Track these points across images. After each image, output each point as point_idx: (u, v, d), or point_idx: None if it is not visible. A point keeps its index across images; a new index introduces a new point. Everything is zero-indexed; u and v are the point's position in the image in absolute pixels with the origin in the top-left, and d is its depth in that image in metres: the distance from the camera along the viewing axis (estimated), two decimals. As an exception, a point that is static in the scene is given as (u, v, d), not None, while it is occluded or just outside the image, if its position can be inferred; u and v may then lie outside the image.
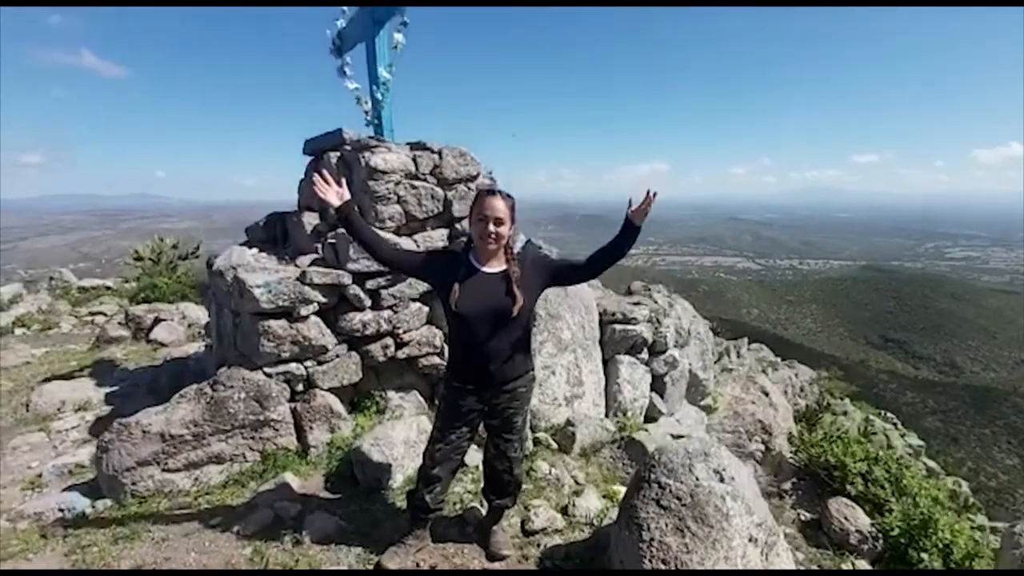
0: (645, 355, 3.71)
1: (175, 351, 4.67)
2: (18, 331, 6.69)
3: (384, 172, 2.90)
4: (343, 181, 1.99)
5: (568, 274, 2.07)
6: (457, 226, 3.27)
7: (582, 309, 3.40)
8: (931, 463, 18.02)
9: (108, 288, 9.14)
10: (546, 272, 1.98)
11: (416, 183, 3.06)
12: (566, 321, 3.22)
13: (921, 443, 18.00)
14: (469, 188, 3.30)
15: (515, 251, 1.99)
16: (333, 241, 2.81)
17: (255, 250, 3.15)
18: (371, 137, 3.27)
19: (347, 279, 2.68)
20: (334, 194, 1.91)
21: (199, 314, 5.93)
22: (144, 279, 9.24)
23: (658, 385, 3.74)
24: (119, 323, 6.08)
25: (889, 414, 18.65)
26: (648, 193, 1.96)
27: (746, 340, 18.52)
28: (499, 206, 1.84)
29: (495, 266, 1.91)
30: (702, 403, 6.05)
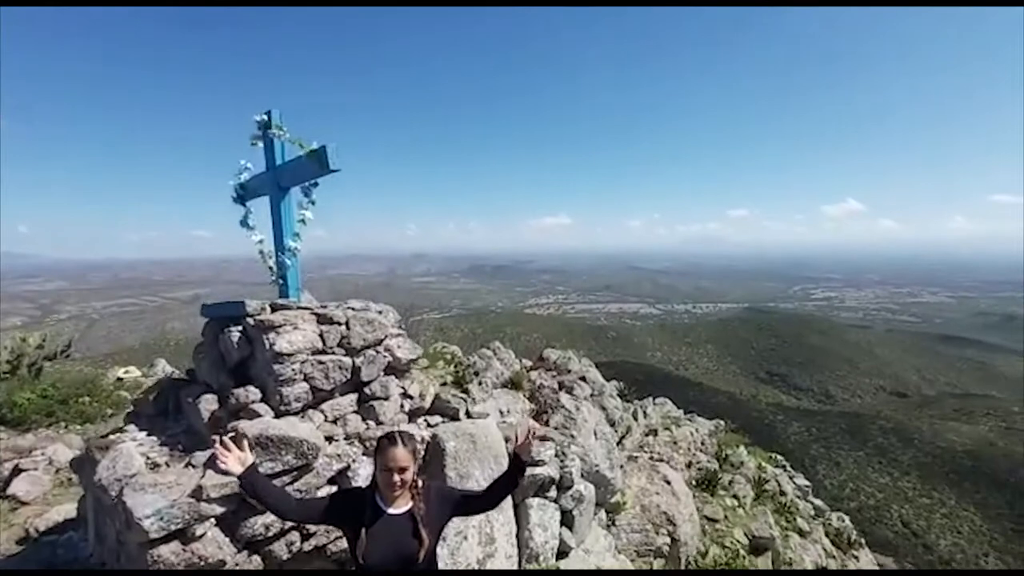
0: (553, 493, 3.88)
1: (38, 520, 4.07)
2: None
3: (290, 355, 2.90)
4: (244, 444, 1.98)
5: (471, 505, 2.19)
6: (366, 390, 3.31)
7: (491, 460, 3.52)
8: (817, 501, 19.77)
9: (-52, 406, 7.76)
10: (450, 505, 2.08)
11: (323, 358, 3.09)
12: (476, 480, 3.32)
13: (807, 484, 19.78)
14: (377, 352, 3.37)
15: (419, 485, 2.04)
16: (232, 430, 2.72)
17: (143, 434, 2.95)
18: (275, 305, 3.26)
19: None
20: (235, 461, 1.89)
21: (70, 456, 5.24)
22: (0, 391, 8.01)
23: (567, 519, 3.92)
24: (-37, 472, 5.19)
25: (779, 456, 20.42)
26: (529, 432, 2.16)
27: (651, 399, 19.60)
28: (401, 455, 1.93)
29: (401, 505, 1.98)
30: (611, 501, 6.32)
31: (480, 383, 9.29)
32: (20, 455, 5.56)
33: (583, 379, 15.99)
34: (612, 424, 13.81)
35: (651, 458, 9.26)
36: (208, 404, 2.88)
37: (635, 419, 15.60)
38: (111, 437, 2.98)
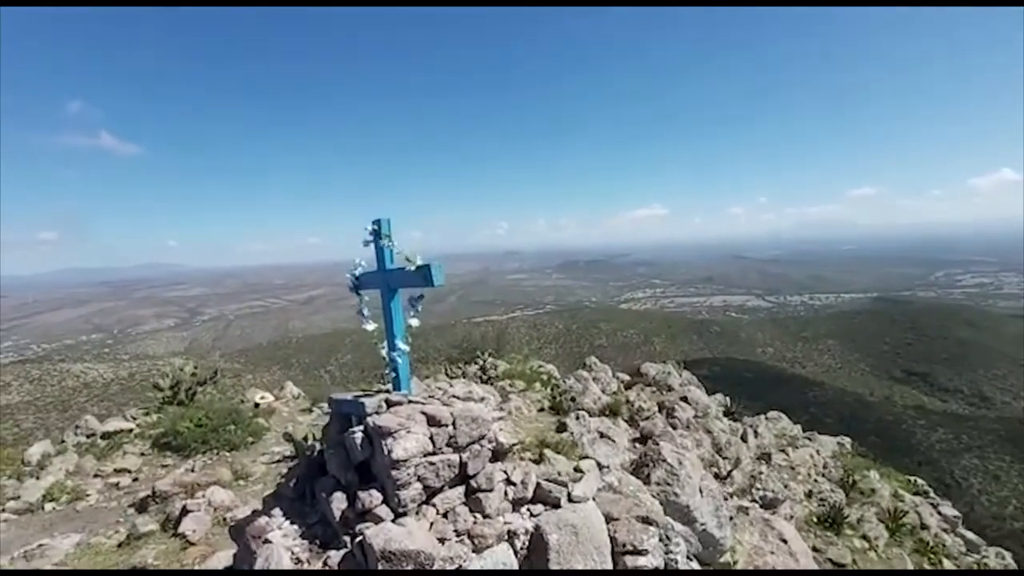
0: (657, 581, 3.85)
1: (203, 564, 4.86)
2: (48, 506, 6.93)
3: (405, 460, 3.19)
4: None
5: None
6: (472, 482, 3.53)
7: (594, 552, 3.58)
8: (969, 534, 17.35)
9: (130, 431, 9.41)
10: None
11: (434, 459, 3.35)
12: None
13: (956, 514, 17.42)
14: (482, 446, 3.58)
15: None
16: (360, 538, 3.06)
17: (286, 523, 3.41)
18: (389, 400, 3.59)
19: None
20: None
21: (225, 499, 6.14)
22: (164, 420, 9.54)
23: (671, 606, 3.86)
24: (148, 505, 6.32)
25: (920, 480, 18.13)
26: None
27: (763, 417, 18.34)
28: None
29: None
30: (720, 560, 6.08)
31: (578, 417, 9.36)
32: (186, 491, 6.62)
33: (685, 400, 15.37)
34: (719, 450, 13.19)
35: (763, 505, 8.72)
36: (339, 503, 3.25)
37: (744, 441, 14.74)
38: (261, 522, 3.47)
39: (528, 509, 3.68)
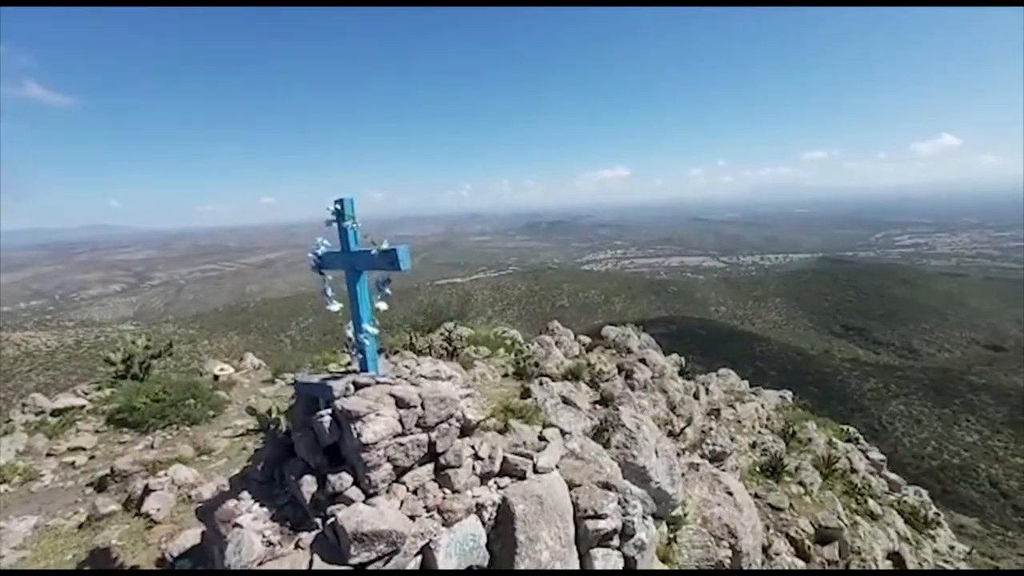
0: (616, 541, 4.10)
1: (171, 544, 4.83)
2: (0, 488, 6.66)
3: (374, 443, 3.22)
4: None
5: None
6: (441, 459, 3.62)
7: (557, 520, 3.77)
8: (893, 476, 19.06)
9: (82, 407, 9.05)
10: None
11: (403, 439, 3.39)
12: (544, 542, 3.59)
13: (882, 457, 19.07)
14: (450, 425, 3.65)
15: None
16: (332, 519, 3.11)
17: (256, 505, 3.42)
18: (357, 383, 3.58)
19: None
20: None
21: (188, 477, 6.06)
22: (119, 395, 9.21)
23: (629, 565, 4.15)
24: (108, 485, 6.18)
25: (852, 428, 19.69)
26: None
27: (714, 375, 19.27)
28: None
29: None
30: (672, 514, 6.51)
31: (541, 382, 9.59)
32: (148, 469, 6.49)
33: (643, 361, 15.95)
34: (673, 408, 13.84)
35: (712, 459, 9.30)
36: (309, 486, 3.28)
37: (697, 399, 15.51)
38: (229, 505, 3.47)
39: (495, 482, 3.82)
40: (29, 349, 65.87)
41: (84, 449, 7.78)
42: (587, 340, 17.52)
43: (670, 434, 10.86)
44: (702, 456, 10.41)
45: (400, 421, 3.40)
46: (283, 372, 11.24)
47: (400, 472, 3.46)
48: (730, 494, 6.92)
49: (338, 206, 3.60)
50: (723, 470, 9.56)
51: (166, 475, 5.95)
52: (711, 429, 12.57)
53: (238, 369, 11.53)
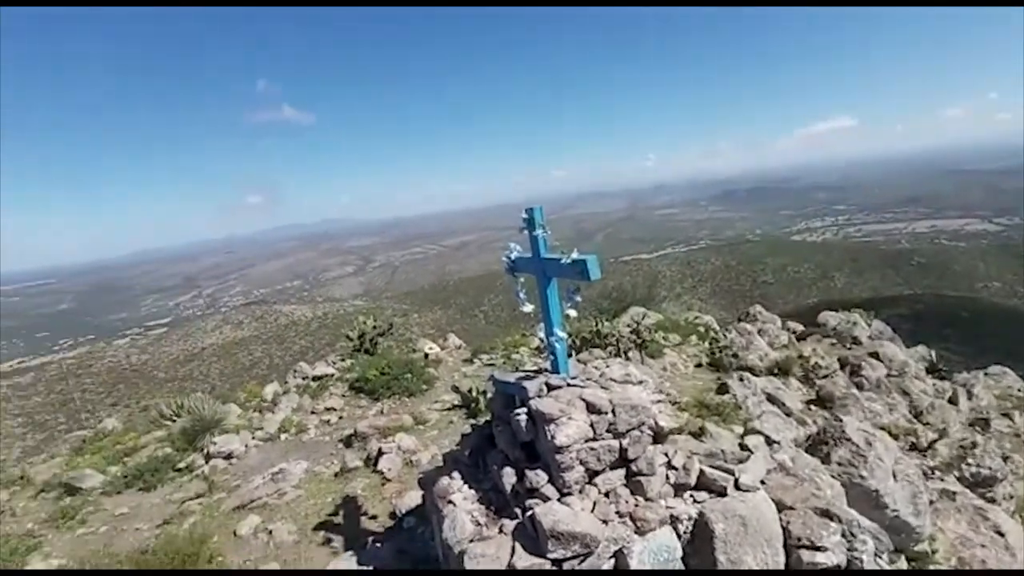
0: (839, 581, 3.60)
1: (400, 500, 5.85)
2: (282, 436, 8.85)
3: (567, 446, 3.39)
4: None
5: None
6: (632, 465, 3.64)
7: (764, 545, 3.48)
8: None
9: (332, 376, 11.38)
10: None
11: (595, 444, 3.50)
12: (748, 566, 3.36)
13: None
14: (641, 432, 3.63)
15: None
16: (531, 513, 3.39)
17: (465, 487, 3.93)
18: (549, 384, 3.80)
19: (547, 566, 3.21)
20: None
21: (410, 444, 7.21)
22: (356, 367, 11.33)
23: (855, 607, 3.61)
24: (352, 442, 7.75)
25: None
26: None
27: (981, 375, 15.39)
28: None
29: None
30: (916, 548, 5.46)
31: (741, 377, 8.82)
32: (380, 433, 7.90)
33: (875, 355, 13.64)
34: (918, 415, 11.54)
35: (974, 484, 7.49)
36: (509, 477, 3.62)
37: (953, 404, 12.67)
38: (443, 483, 4.03)
39: (692, 495, 3.69)
40: (294, 319, 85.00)
41: (335, 410, 9.80)
42: (798, 327, 15.45)
43: (913, 448, 9.06)
44: (960, 480, 8.45)
45: (591, 426, 3.51)
46: (480, 353, 12.45)
47: (592, 475, 3.58)
48: (1000, 534, 5.51)
49: (528, 215, 3.80)
50: (991, 501, 7.62)
51: (393, 441, 7.16)
52: (974, 445, 10.11)
53: (443, 348, 13.15)
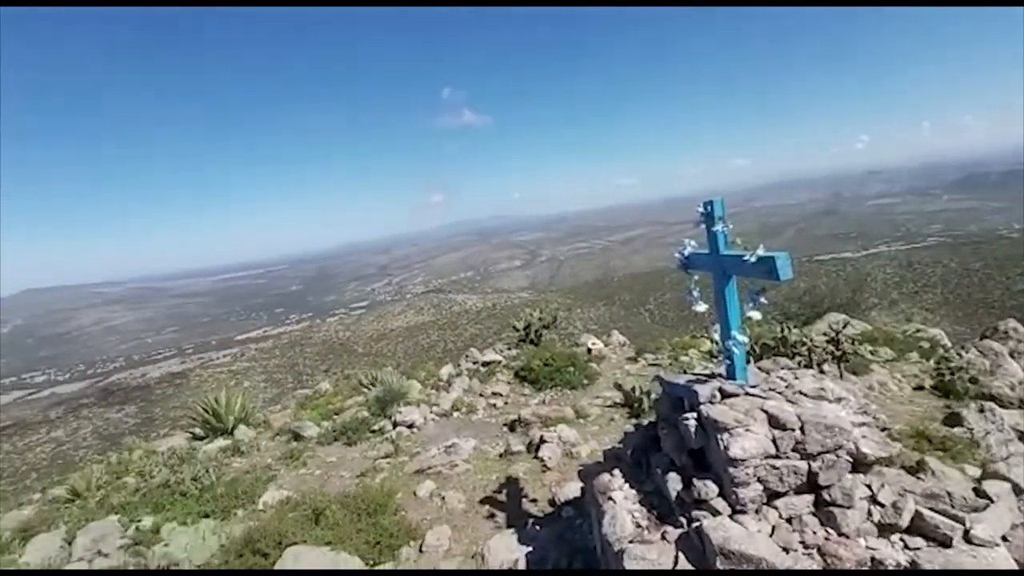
0: None
1: (559, 490, 6.04)
2: (454, 414, 9.75)
3: (743, 460, 3.14)
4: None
5: None
6: (824, 493, 3.22)
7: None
8: None
9: (499, 363, 12.15)
10: None
11: (777, 463, 3.18)
12: (983, 643, 2.74)
13: None
14: (837, 456, 3.19)
15: None
16: (698, 524, 3.23)
17: (626, 486, 3.90)
18: (724, 391, 3.55)
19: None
20: None
21: (570, 436, 7.38)
22: (522, 356, 11.92)
23: None
24: (516, 427, 8.20)
25: None
26: None
27: None
28: None
29: None
30: None
31: (982, 408, 7.25)
32: (541, 422, 8.22)
33: None
34: None
35: None
36: (674, 484, 3.50)
37: None
38: (604, 478, 4.05)
39: (903, 539, 3.13)
40: (466, 307, 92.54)
41: (501, 395, 10.45)
42: (1075, 353, 11.91)
43: None
44: None
45: (774, 442, 3.20)
46: (644, 352, 12.12)
47: (771, 495, 3.27)
48: None
49: (707, 208, 3.59)
50: None
51: (555, 431, 7.39)
52: None
53: (606, 344, 13.10)
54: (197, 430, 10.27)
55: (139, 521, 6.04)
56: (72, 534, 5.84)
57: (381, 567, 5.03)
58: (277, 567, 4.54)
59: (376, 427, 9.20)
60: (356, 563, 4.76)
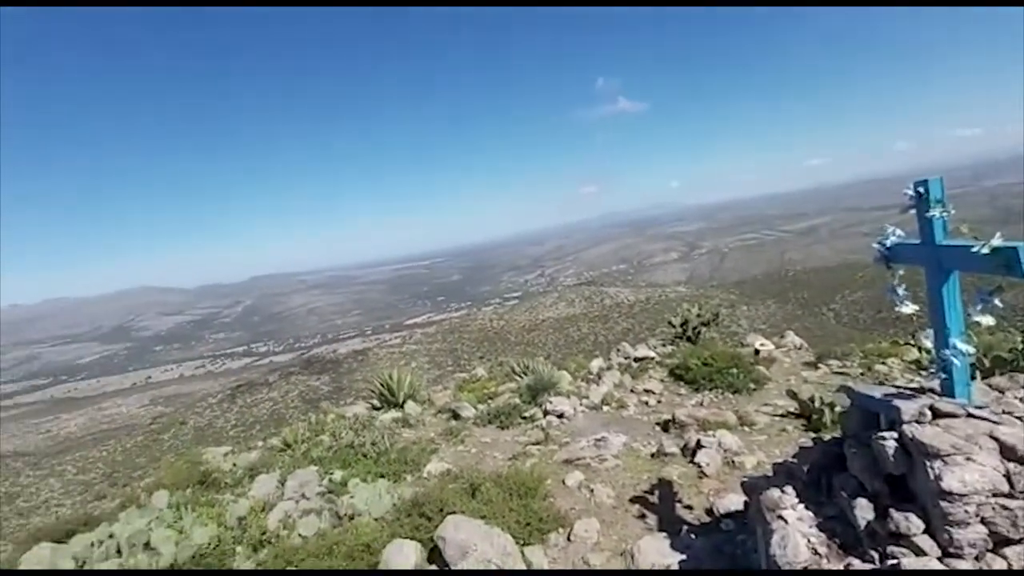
0: None
1: (718, 500, 5.65)
2: (604, 408, 9.69)
3: (961, 496, 2.61)
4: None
5: None
6: (1085, 550, 2.53)
7: None
8: None
9: (652, 359, 11.75)
10: None
11: (1011, 503, 2.57)
12: None
13: None
14: (1109, 507, 2.48)
15: None
16: (896, 563, 2.77)
17: (800, 507, 3.49)
18: (936, 410, 2.97)
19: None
20: None
21: (732, 444, 6.85)
22: (677, 354, 11.36)
23: None
24: (669, 428, 7.87)
25: None
26: None
27: None
28: None
29: None
30: None
31: None
32: (699, 425, 7.76)
33: None
34: None
35: None
36: (864, 511, 3.04)
37: None
38: (773, 494, 3.69)
39: None
40: (617, 301, 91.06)
41: (653, 393, 10.11)
42: None
43: None
44: None
45: (1007, 477, 2.59)
46: (827, 358, 10.72)
47: (1001, 542, 2.66)
48: None
49: (920, 189, 3.02)
50: None
51: (714, 436, 6.93)
52: None
53: (778, 346, 11.86)
54: (375, 401, 11.74)
55: (331, 474, 7.11)
56: (284, 477, 7.11)
57: (529, 547, 5.24)
58: (438, 532, 4.99)
59: (527, 414, 9.55)
60: (508, 539, 5.01)
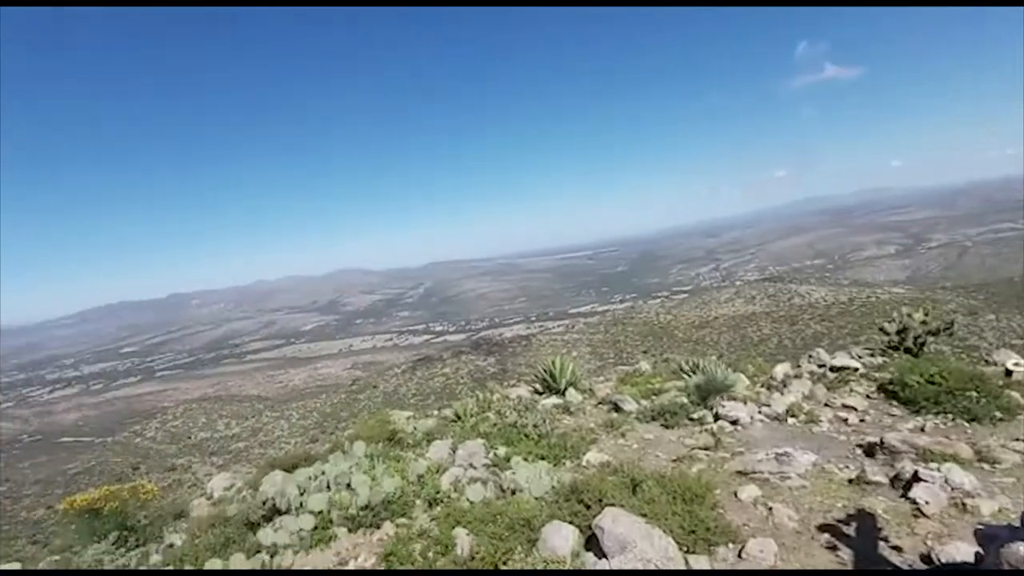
0: None
1: (939, 546, 4.66)
2: (789, 420, 8.66)
3: None
4: None
5: None
6: None
7: None
8: None
9: (855, 370, 10.15)
10: None
11: None
12: None
13: None
14: None
15: None
16: None
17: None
18: None
19: None
20: None
21: (965, 482, 5.60)
22: (892, 368, 9.64)
23: None
24: (875, 452, 6.74)
25: None
26: None
27: None
28: None
29: None
30: None
31: None
32: (918, 454, 6.50)
33: None
34: None
35: None
36: None
37: None
38: (1020, 550, 2.93)
39: None
40: (811, 300, 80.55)
41: (855, 409, 8.74)
42: None
43: None
44: None
45: None
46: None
47: None
48: None
49: None
50: None
51: (938, 470, 5.74)
52: None
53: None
54: (537, 386, 12.17)
55: (496, 449, 7.58)
56: (455, 446, 7.79)
57: (694, 556, 4.96)
58: (596, 521, 4.99)
59: (695, 416, 9.01)
60: (670, 543, 4.80)
